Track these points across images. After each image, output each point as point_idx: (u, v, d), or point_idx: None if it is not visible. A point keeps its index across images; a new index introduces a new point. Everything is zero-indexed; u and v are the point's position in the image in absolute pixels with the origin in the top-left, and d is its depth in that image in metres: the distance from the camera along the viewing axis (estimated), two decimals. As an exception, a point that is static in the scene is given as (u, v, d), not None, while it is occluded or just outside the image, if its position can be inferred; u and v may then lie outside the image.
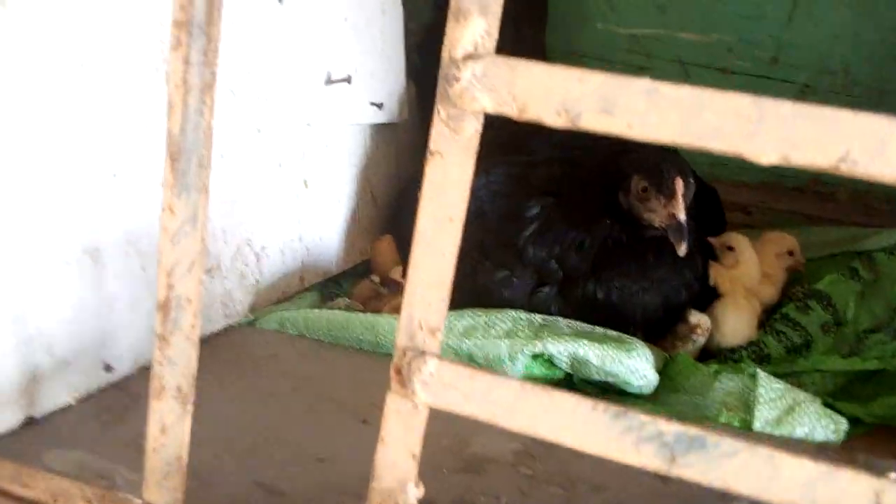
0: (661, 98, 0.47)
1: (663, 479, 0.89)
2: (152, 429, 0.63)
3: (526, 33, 2.01)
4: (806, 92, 2.08)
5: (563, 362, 1.13)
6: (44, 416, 0.85)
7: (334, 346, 1.18)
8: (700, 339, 1.38)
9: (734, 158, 0.47)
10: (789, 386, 1.15)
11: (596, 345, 1.12)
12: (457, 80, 0.50)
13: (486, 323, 1.16)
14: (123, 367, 0.97)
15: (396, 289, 1.54)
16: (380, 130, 1.76)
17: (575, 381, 1.21)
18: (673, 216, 1.25)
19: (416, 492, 0.59)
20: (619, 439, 0.52)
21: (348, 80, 1.48)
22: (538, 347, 1.11)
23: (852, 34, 2.03)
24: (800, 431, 1.08)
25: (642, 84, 0.47)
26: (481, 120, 0.52)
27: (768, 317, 1.50)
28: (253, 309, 1.27)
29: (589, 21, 2.14)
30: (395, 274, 1.60)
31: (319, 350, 1.15)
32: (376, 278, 1.59)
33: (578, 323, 1.25)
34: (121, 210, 0.96)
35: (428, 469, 0.86)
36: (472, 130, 0.52)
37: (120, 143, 0.94)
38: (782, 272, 1.61)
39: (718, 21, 2.08)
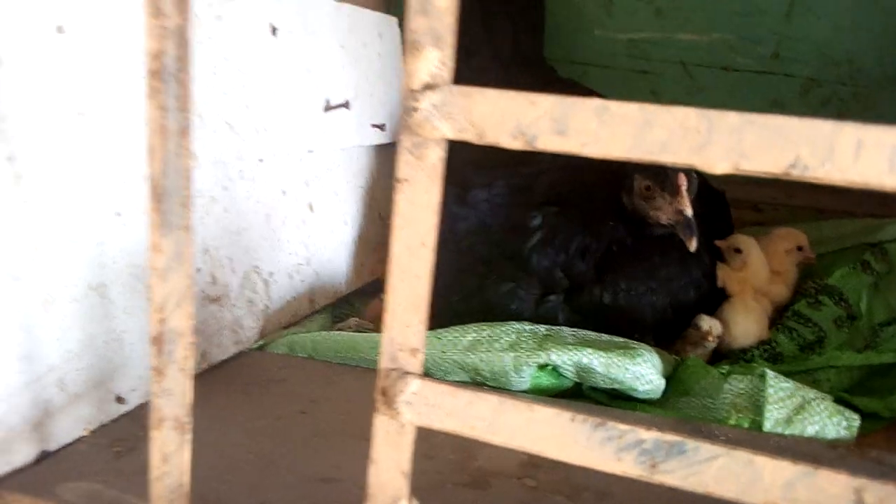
0: (610, 116, 0.48)
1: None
2: (154, 458, 0.65)
3: (525, 44, 2.03)
4: (811, 85, 2.08)
5: (569, 371, 1.14)
6: (58, 449, 0.87)
7: (342, 367, 1.20)
8: (711, 344, 1.38)
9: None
10: (799, 384, 1.14)
11: (600, 352, 1.13)
12: (416, 110, 0.52)
13: (489, 336, 1.17)
14: (135, 399, 1.00)
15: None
16: (385, 150, 1.78)
17: (584, 390, 1.21)
18: (680, 212, 1.26)
19: (408, 509, 0.61)
20: (600, 449, 0.53)
21: (346, 105, 1.51)
22: (542, 358, 1.12)
23: (854, 24, 2.02)
24: (811, 429, 1.08)
25: (592, 104, 0.49)
26: (444, 147, 0.53)
27: (781, 315, 1.50)
28: (263, 334, 1.30)
29: (587, 28, 2.16)
30: (405, 291, 1.62)
31: (327, 372, 1.17)
32: (384, 296, 1.61)
33: (584, 331, 1.26)
34: (125, 247, 0.99)
35: (433, 484, 0.88)
36: (436, 157, 0.53)
37: (122, 184, 0.97)
38: (793, 268, 1.60)
39: (717, 20, 2.08)
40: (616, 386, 1.13)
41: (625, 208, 1.36)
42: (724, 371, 1.25)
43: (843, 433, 1.09)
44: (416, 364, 0.57)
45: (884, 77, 2.02)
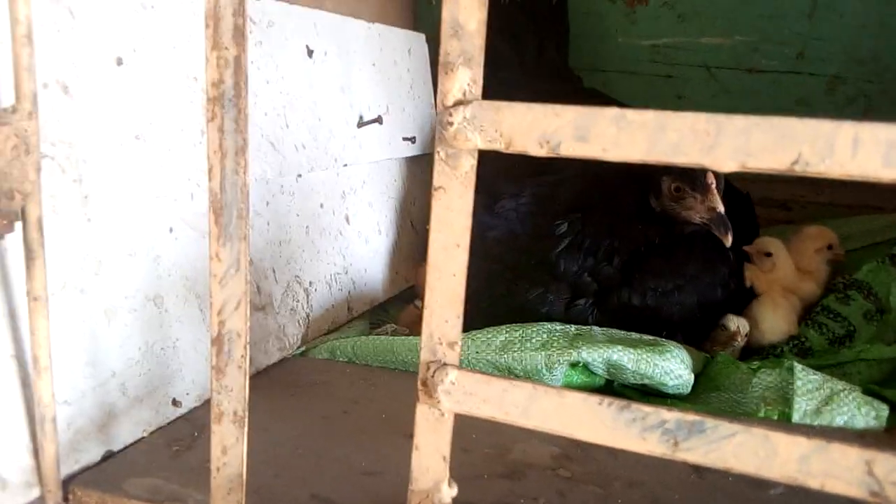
0: (628, 123, 0.53)
1: (698, 472, 0.93)
2: (215, 450, 0.71)
3: (550, 54, 2.08)
4: (836, 83, 2.09)
5: (599, 368, 1.18)
6: (121, 449, 0.94)
7: (381, 370, 1.26)
8: (739, 343, 1.41)
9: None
10: (827, 376, 1.16)
11: (630, 349, 1.16)
12: (450, 124, 0.57)
13: (522, 336, 1.22)
14: (189, 402, 1.07)
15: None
16: (415, 162, 1.84)
17: (615, 387, 1.25)
18: (713, 209, 1.29)
19: (449, 491, 0.66)
20: (626, 430, 0.58)
21: (379, 120, 1.58)
22: (573, 356, 1.16)
23: (879, 21, 2.03)
24: (839, 420, 1.10)
25: (611, 112, 0.53)
26: (476, 156, 0.59)
27: (810, 312, 1.52)
28: (305, 340, 1.36)
29: (610, 36, 2.20)
30: (439, 298, 1.67)
31: (367, 374, 1.23)
32: (419, 303, 1.66)
33: (613, 330, 1.30)
34: (177, 261, 1.06)
35: (470, 476, 0.93)
36: (469, 166, 0.59)
37: (173, 202, 1.04)
38: (823, 267, 1.62)
39: (740, 23, 2.11)
40: (646, 381, 1.17)
41: (653, 210, 1.40)
42: (753, 367, 1.28)
43: (873, 423, 1.11)
44: (453, 356, 0.62)
45: (910, 73, 2.03)
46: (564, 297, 1.41)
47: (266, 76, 1.23)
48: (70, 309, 0.89)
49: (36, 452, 0.83)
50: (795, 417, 1.10)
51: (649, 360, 1.15)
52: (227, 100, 0.63)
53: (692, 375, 1.19)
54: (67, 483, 0.86)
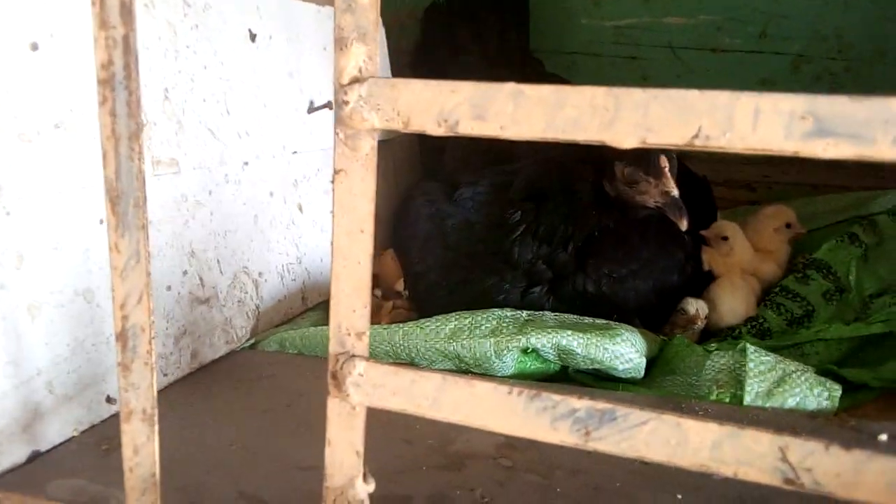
0: (525, 99, 0.50)
1: (642, 460, 0.91)
2: (126, 450, 0.68)
3: (510, 38, 2.05)
4: (801, 62, 2.07)
5: (550, 354, 1.16)
6: (49, 449, 0.91)
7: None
8: (699, 326, 1.39)
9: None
10: (780, 357, 1.15)
11: (579, 334, 1.14)
12: (346, 103, 0.54)
13: (471, 324, 1.19)
14: (127, 399, 1.03)
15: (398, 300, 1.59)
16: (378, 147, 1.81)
17: (570, 373, 1.23)
18: (666, 193, 1.28)
19: (365, 486, 0.63)
20: (536, 419, 0.55)
21: (330, 105, 1.54)
22: (522, 342, 1.14)
23: (842, -1, 2.02)
24: (791, 401, 1.09)
25: (508, 88, 0.51)
26: (376, 137, 0.56)
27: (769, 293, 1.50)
28: (255, 332, 1.33)
29: (573, 17, 2.17)
30: (399, 286, 1.65)
31: (315, 366, 1.20)
32: (378, 292, 1.63)
33: (567, 315, 1.28)
34: (108, 253, 1.03)
35: (410, 468, 0.90)
36: (369, 147, 0.56)
37: (102, 192, 1.01)
38: (784, 246, 1.61)
39: (703, 2, 2.09)
40: (596, 366, 1.15)
41: (608, 196, 1.38)
42: (710, 349, 1.27)
43: (825, 404, 1.09)
44: (362, 347, 0.60)
45: (874, 50, 2.02)
46: (520, 285, 1.39)
47: (203, 61, 1.20)
48: (-13, 306, 0.86)
49: (-49, 455, 0.80)
50: (747, 399, 1.09)
51: (599, 344, 1.13)
52: (118, 82, 0.60)
53: (644, 359, 1.18)
54: (-10, 486, 0.83)
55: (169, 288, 1.14)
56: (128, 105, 0.60)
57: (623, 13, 2.13)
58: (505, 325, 1.19)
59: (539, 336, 1.14)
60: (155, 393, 0.67)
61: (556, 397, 0.55)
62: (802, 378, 1.11)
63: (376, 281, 1.75)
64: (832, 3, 2.02)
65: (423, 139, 1.98)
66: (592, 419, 0.54)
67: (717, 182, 2.07)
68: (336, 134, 0.56)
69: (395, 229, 1.79)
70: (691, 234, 1.41)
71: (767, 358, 1.13)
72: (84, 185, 0.98)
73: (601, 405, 0.54)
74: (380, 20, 0.54)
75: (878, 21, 2.00)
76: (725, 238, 1.49)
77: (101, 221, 1.02)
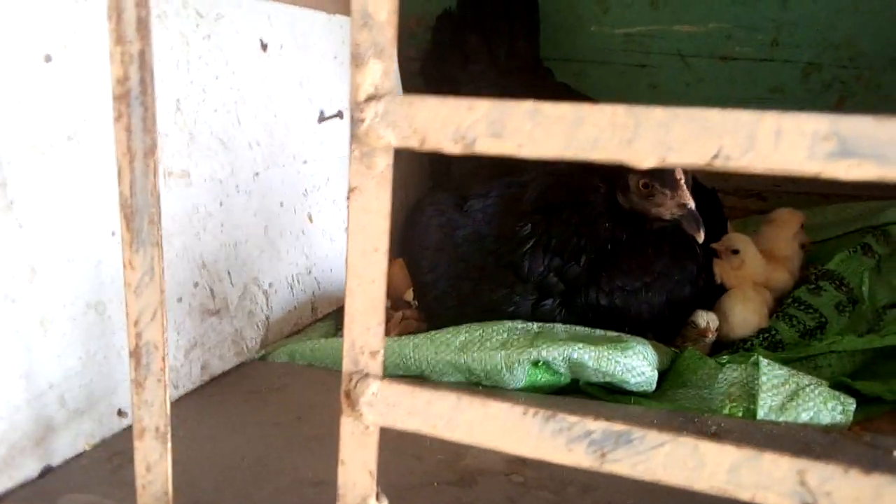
0: (544, 117, 0.50)
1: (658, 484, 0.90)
2: (139, 467, 0.68)
3: (520, 46, 2.05)
4: (811, 70, 2.06)
5: (561, 367, 1.15)
6: (61, 463, 0.91)
7: (340, 373, 1.23)
8: (710, 339, 1.38)
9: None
10: (793, 371, 1.14)
11: (591, 347, 1.14)
12: (362, 120, 0.54)
13: (481, 336, 1.19)
14: (137, 411, 1.03)
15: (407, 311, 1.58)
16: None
17: (581, 385, 1.22)
18: (683, 205, 1.27)
19: (378, 506, 0.63)
20: (552, 441, 0.55)
21: (340, 115, 1.54)
22: (533, 355, 1.13)
23: (853, 6, 2.00)
24: (805, 416, 1.08)
25: (526, 106, 0.50)
26: (391, 154, 0.55)
27: (782, 303, 1.49)
28: (265, 343, 1.33)
29: (583, 25, 2.17)
30: (409, 296, 1.64)
31: (326, 378, 1.20)
32: (388, 302, 1.63)
33: (578, 327, 1.27)
34: (120, 265, 1.03)
35: (419, 484, 0.90)
36: (384, 165, 0.55)
37: (115, 204, 1.01)
38: (798, 253, 1.59)
39: (713, 10, 2.08)
40: (608, 379, 1.14)
41: (621, 208, 1.36)
42: (722, 361, 1.26)
43: (839, 418, 1.08)
44: (376, 366, 0.59)
45: (885, 58, 2.00)
46: (531, 297, 1.38)
47: (215, 71, 1.20)
48: (0, 320, 0.85)
49: (-37, 470, 0.80)
50: (760, 414, 1.08)
51: (611, 357, 1.12)
52: (134, 97, 0.60)
53: (655, 372, 1.17)
54: (1, 500, 0.83)
55: (180, 300, 1.14)
56: (143, 121, 0.60)
57: (632, 21, 2.12)
58: (515, 337, 1.18)
59: (550, 349, 1.13)
60: (168, 410, 0.67)
61: (572, 419, 0.54)
62: (816, 392, 1.10)
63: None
64: (843, 11, 2.01)
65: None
66: (608, 441, 0.54)
67: (727, 191, 2.06)
68: (351, 151, 0.56)
69: (404, 239, 1.79)
70: (702, 247, 1.40)
71: (780, 371, 1.12)
72: (96, 197, 0.98)
73: (617, 427, 0.53)
74: (396, 36, 0.54)
75: (890, 29, 1.99)
76: (736, 251, 1.48)
77: (113, 234, 1.02)
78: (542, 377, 1.19)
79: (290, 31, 1.43)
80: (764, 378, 1.10)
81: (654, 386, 1.17)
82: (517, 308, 1.38)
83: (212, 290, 1.21)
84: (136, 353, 0.65)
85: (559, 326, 1.26)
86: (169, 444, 0.67)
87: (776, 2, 2.03)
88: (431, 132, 0.53)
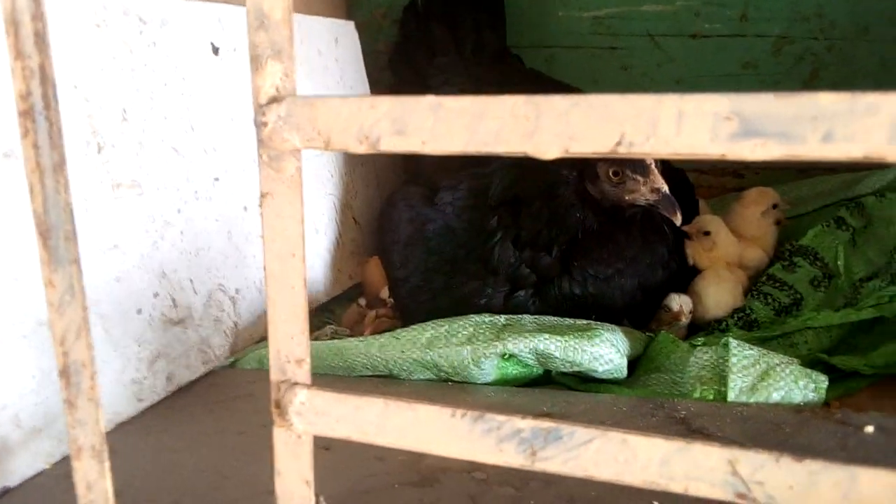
0: (445, 112, 0.48)
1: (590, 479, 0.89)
2: (79, 487, 0.66)
3: (486, 36, 2.03)
4: (783, 43, 2.04)
5: (529, 358, 1.14)
6: (19, 484, 0.90)
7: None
8: (684, 322, 1.37)
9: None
10: (764, 350, 1.13)
11: (557, 337, 1.12)
12: (265, 124, 0.52)
13: (447, 332, 1.18)
14: (98, 427, 1.02)
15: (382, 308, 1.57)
16: (356, 154, 1.79)
17: (553, 376, 1.21)
18: (657, 190, 1.25)
19: (317, 516, 0.61)
20: (482, 441, 0.53)
21: (301, 114, 1.52)
22: (499, 348, 1.12)
23: (822, -24, 1.98)
24: (776, 395, 1.06)
25: (427, 101, 0.49)
26: (300, 157, 0.54)
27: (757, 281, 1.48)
28: (234, 350, 1.32)
29: (550, 10, 2.14)
30: (384, 293, 1.63)
31: (293, 382, 1.18)
32: (363, 301, 1.62)
33: (546, 317, 1.26)
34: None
35: (383, 485, 0.89)
36: (294, 168, 0.54)
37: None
38: (771, 229, 1.58)
39: (681, -13, 2.05)
40: (576, 368, 1.13)
41: (592, 197, 1.34)
42: (697, 343, 1.25)
43: (811, 396, 1.07)
44: (303, 374, 0.58)
45: (856, 27, 1.98)
46: (503, 289, 1.37)
47: (163, 78, 1.18)
48: (-57, 343, 0.84)
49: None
50: (731, 396, 1.07)
51: (577, 346, 1.11)
52: (38, 113, 0.58)
53: (625, 359, 1.16)
54: (-44, 525, 0.82)
55: (140, 311, 1.13)
56: (50, 136, 0.59)
57: (600, 3, 2.10)
58: (482, 331, 1.17)
59: (516, 341, 1.12)
60: (102, 429, 0.65)
61: (501, 418, 0.53)
62: (787, 371, 1.08)
63: (362, 289, 1.73)
64: (812, -19, 1.99)
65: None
66: (538, 439, 0.52)
67: (703, 170, 2.05)
68: (259, 156, 0.54)
69: (377, 235, 1.77)
70: (673, 229, 1.39)
71: (751, 352, 1.11)
72: (41, 214, 0.96)
73: (545, 424, 0.52)
74: (294, 36, 0.52)
75: (860, -3, 1.96)
76: (707, 233, 1.46)
77: (63, 249, 1.00)
78: (513, 370, 1.18)
79: (243, 34, 1.40)
80: (734, 359, 1.09)
81: (624, 373, 1.16)
82: (490, 300, 1.37)
83: (174, 300, 1.20)
84: (64, 373, 0.64)
85: (527, 318, 1.25)
86: (107, 464, 0.66)
87: (744, -24, 2.00)
88: (336, 133, 0.51)
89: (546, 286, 1.36)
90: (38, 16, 0.56)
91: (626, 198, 1.29)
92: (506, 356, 1.15)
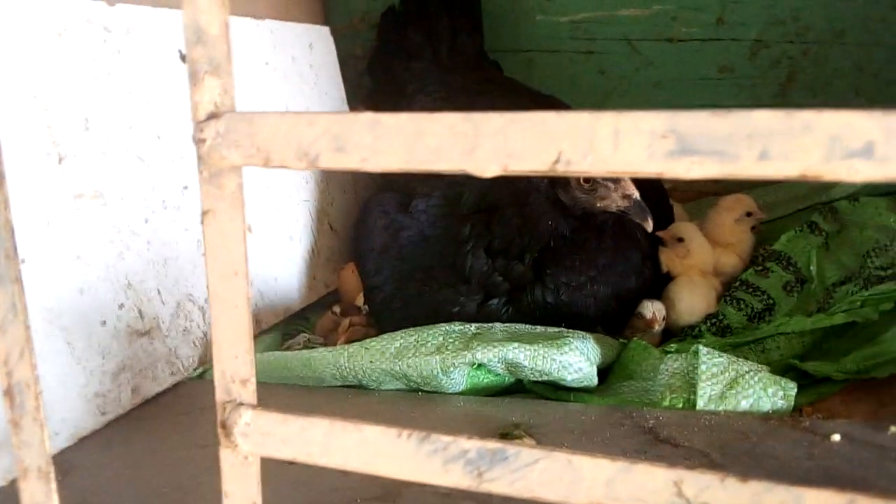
0: (384, 129, 0.47)
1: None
2: (25, 510, 0.65)
3: (463, 41, 2.02)
4: (759, 47, 2.04)
5: (498, 367, 1.13)
6: (-25, 502, 0.88)
7: (279, 386, 1.21)
8: (658, 329, 1.37)
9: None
10: (733, 358, 1.13)
11: (526, 346, 1.12)
12: (203, 140, 0.51)
13: (416, 341, 1.17)
14: (59, 442, 1.01)
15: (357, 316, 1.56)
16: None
17: (525, 384, 1.20)
18: (629, 196, 1.25)
19: (266, 538, 0.60)
20: (428, 462, 0.53)
21: (272, 121, 1.51)
22: (468, 358, 1.11)
23: (796, -21, 1.98)
24: (745, 403, 1.06)
25: (365, 118, 0.48)
26: (241, 174, 0.53)
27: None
28: (203, 361, 1.30)
29: (528, 15, 2.13)
30: (360, 301, 1.61)
31: (262, 393, 1.16)
32: (337, 309, 1.60)
33: (517, 325, 1.25)
34: (35, 291, 1.00)
35: (343, 500, 0.87)
36: (235, 185, 0.53)
37: (24, 230, 0.98)
38: (746, 236, 1.58)
39: (657, -9, 2.05)
40: (545, 377, 1.12)
41: (563, 204, 1.34)
42: (670, 350, 1.24)
43: (780, 404, 1.07)
44: (247, 394, 0.57)
45: (832, 31, 1.99)
46: (476, 297, 1.36)
47: (128, 87, 1.16)
48: None
49: None
50: (700, 404, 1.06)
51: (546, 355, 1.11)
52: (-25, 130, 0.57)
53: (594, 368, 1.15)
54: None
55: (104, 323, 1.11)
56: (-13, 153, 0.57)
57: (577, 7, 2.10)
58: (451, 340, 1.16)
59: (485, 350, 1.11)
60: (48, 450, 0.64)
61: (446, 438, 0.52)
62: (756, 378, 1.08)
63: (337, 297, 1.72)
64: (787, -16, 1.99)
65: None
66: (483, 460, 0.51)
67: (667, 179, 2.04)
68: (200, 173, 0.53)
69: (353, 242, 1.76)
70: (648, 236, 1.39)
71: (720, 360, 1.11)
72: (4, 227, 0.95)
73: (491, 445, 0.51)
74: (232, 52, 0.51)
75: (835, 1, 1.97)
76: (681, 239, 1.46)
77: (24, 261, 0.99)
78: (485, 379, 1.17)
79: (214, 40, 1.39)
80: (703, 367, 1.09)
81: (594, 381, 1.16)
82: (462, 308, 1.36)
83: (140, 311, 1.18)
84: (9, 393, 0.63)
85: (497, 326, 1.24)
86: (54, 485, 0.65)
87: (720, -20, 2.01)
88: (275, 150, 0.50)
89: (519, 294, 1.35)
90: (-28, 30, 0.54)
91: (598, 205, 1.29)
92: (475, 365, 1.14)
